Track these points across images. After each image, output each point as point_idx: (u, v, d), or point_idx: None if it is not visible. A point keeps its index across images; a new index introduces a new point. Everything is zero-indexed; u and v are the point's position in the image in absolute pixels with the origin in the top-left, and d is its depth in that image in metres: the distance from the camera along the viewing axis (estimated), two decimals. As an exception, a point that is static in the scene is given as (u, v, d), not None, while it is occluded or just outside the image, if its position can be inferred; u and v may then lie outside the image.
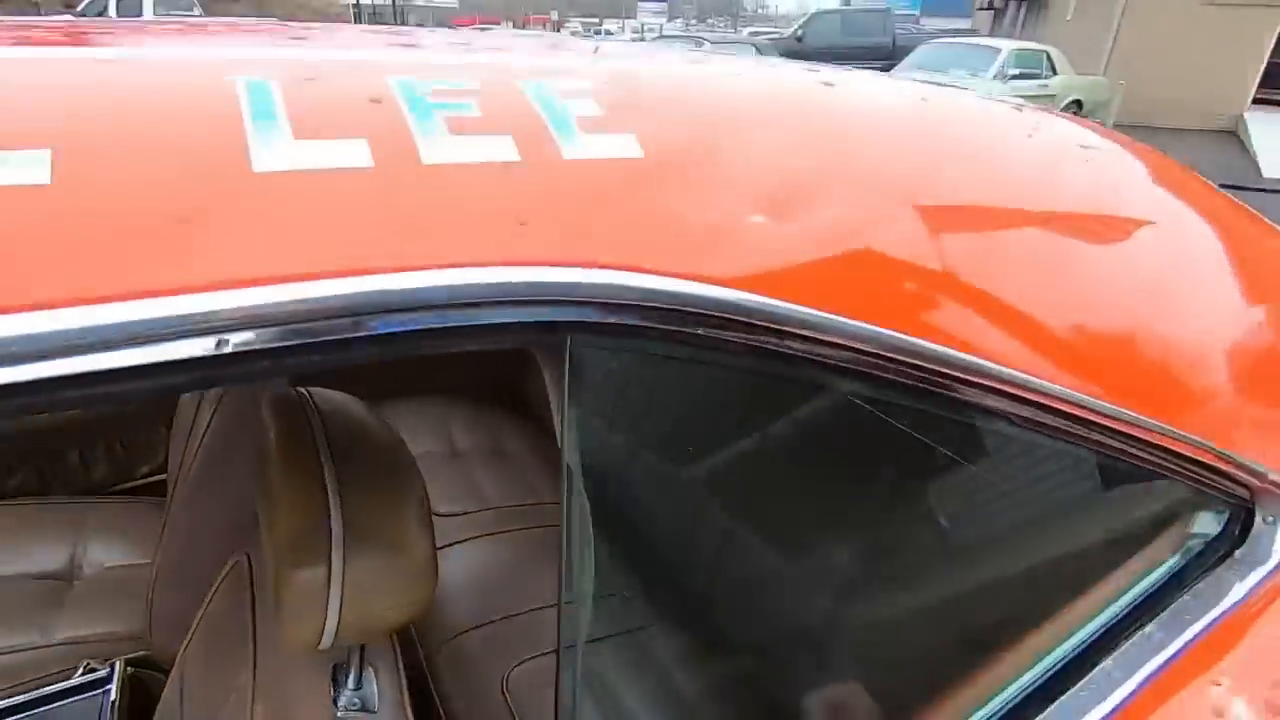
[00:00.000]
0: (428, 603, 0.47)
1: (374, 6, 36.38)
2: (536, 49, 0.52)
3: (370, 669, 0.51)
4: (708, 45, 8.88)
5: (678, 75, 0.42)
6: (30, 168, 0.23)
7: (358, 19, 25.89)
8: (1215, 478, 0.53)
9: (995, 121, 0.53)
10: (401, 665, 0.55)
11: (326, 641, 0.43)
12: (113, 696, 0.93)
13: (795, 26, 13.86)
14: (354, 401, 0.60)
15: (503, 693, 0.93)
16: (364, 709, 0.49)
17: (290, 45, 0.38)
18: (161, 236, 0.23)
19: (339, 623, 0.43)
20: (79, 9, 17.18)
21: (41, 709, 0.90)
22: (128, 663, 0.99)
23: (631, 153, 0.33)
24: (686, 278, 0.29)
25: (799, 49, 12.32)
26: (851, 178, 0.37)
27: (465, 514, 1.23)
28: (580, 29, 51.67)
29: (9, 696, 0.90)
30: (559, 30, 48.84)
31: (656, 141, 0.34)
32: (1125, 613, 0.52)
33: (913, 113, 0.47)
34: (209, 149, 0.26)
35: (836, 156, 0.39)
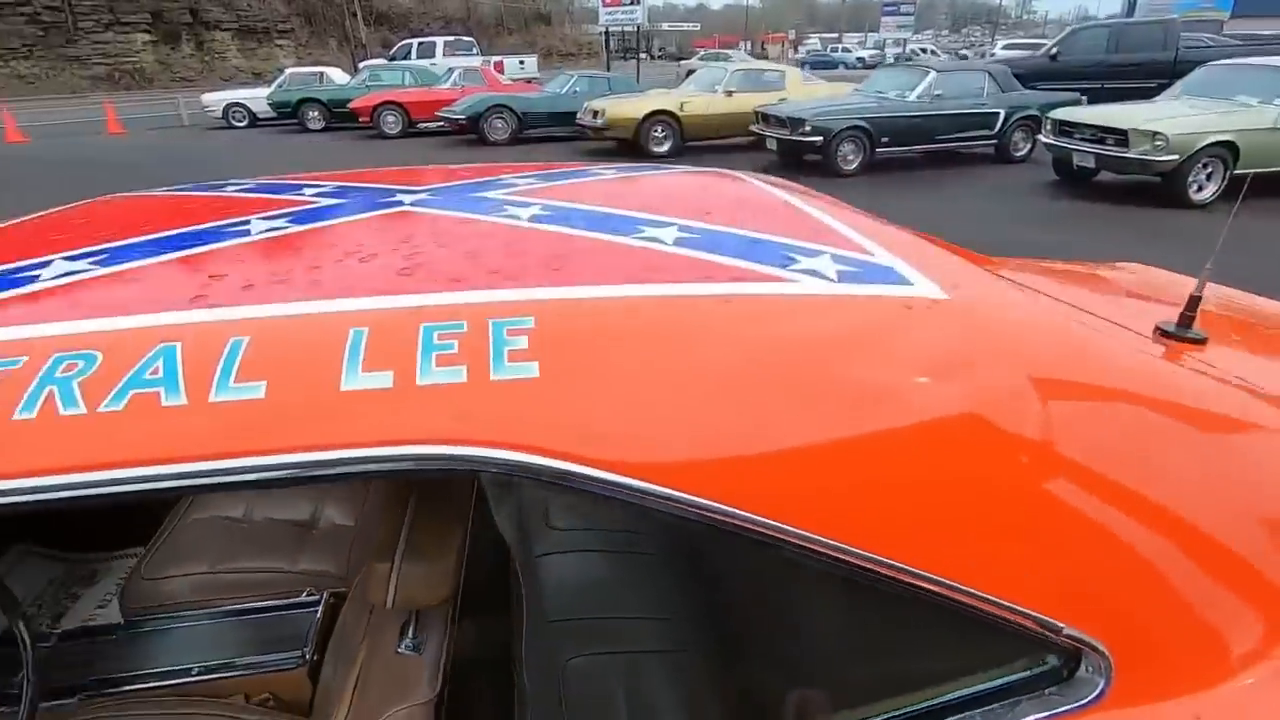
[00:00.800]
0: (446, 595, 0.78)
1: (622, 33, 39.36)
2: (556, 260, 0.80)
3: (425, 630, 0.84)
4: (933, 74, 8.48)
5: (609, 310, 0.68)
6: (257, 390, 0.57)
7: (607, 46, 28.08)
8: (1031, 630, 0.66)
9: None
10: (450, 631, 0.87)
11: (389, 604, 0.76)
12: (318, 615, 1.40)
13: (1051, 43, 12.56)
14: None
15: (559, 677, 1.22)
16: (415, 651, 0.82)
17: (401, 283, 0.72)
18: (296, 424, 0.56)
19: (395, 596, 0.75)
20: (391, 54, 21.08)
21: (274, 613, 1.39)
22: (330, 594, 1.45)
23: (532, 375, 0.60)
24: (527, 450, 0.56)
25: (1052, 69, 11.19)
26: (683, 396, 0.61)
27: (576, 530, 1.56)
28: (819, 45, 50.94)
29: (261, 600, 1.40)
30: (796, 48, 48.72)
31: (551, 364, 0.61)
32: (925, 711, 0.67)
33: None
34: (323, 378, 0.59)
35: (668, 380, 0.62)
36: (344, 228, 0.92)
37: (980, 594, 0.63)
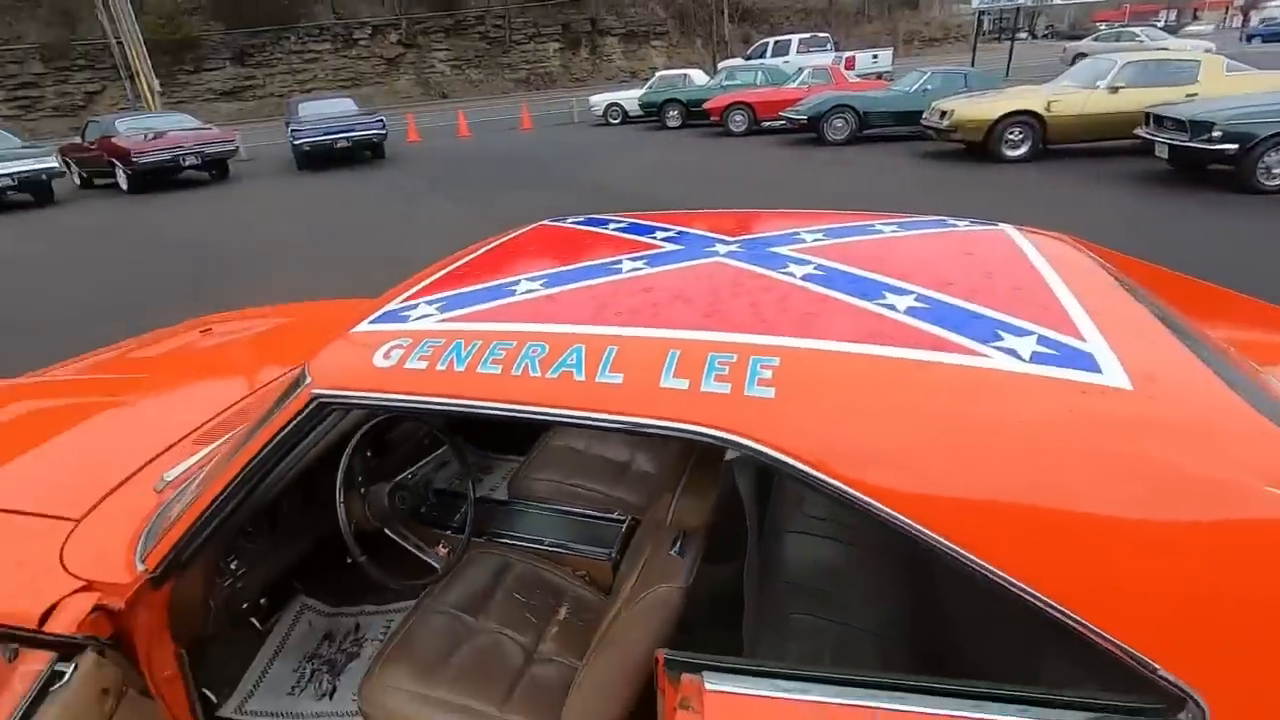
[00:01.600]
0: (701, 524, 1.19)
1: (1000, 12, 35.32)
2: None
3: (687, 545, 1.26)
4: None
5: (829, 360, 1.00)
6: (618, 379, 1.04)
7: (977, 30, 25.65)
8: (1130, 666, 0.83)
9: None
10: (702, 547, 1.28)
11: (668, 522, 1.20)
12: (622, 530, 1.96)
13: None
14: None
15: (785, 625, 1.57)
16: (680, 555, 1.25)
17: (704, 322, 1.13)
18: (636, 401, 1.01)
19: (671, 517, 1.18)
20: (747, 53, 22.25)
21: (595, 520, 1.98)
22: (632, 518, 2.01)
23: (768, 395, 0.96)
24: (755, 440, 0.93)
25: None
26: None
27: (820, 519, 1.88)
28: (1283, 10, 38.91)
29: (587, 510, 2.01)
30: (1245, 17, 37.99)
31: (783, 391, 0.96)
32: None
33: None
34: (652, 377, 1.02)
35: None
36: (677, 272, 1.38)
37: (1084, 622, 0.83)
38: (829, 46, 20.07)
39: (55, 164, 11.57)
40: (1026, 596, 0.84)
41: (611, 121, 17.46)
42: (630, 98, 17.16)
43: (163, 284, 6.59)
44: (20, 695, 1.03)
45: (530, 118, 17.98)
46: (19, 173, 10.91)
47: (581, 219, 1.97)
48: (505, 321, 1.24)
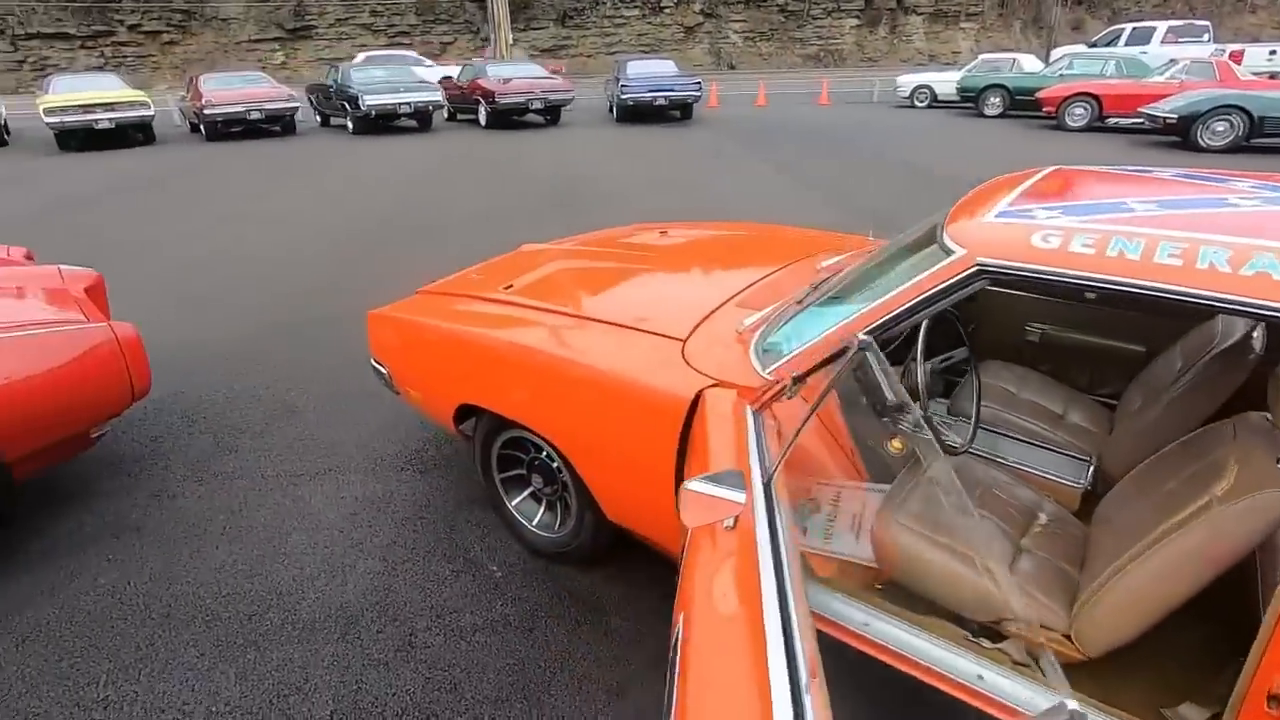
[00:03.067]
0: None
1: None
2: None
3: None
4: None
5: None
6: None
7: None
8: None
9: None
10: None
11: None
12: (1090, 467, 2.04)
13: None
14: None
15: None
16: None
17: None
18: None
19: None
20: (1092, 40, 19.54)
21: (1049, 451, 2.09)
22: (1095, 458, 2.07)
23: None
24: None
25: None
26: None
27: None
28: None
29: (1044, 444, 2.12)
30: None
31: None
32: None
33: None
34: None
35: None
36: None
37: None
38: (1205, 38, 16.91)
39: (439, 98, 14.05)
40: None
41: (917, 104, 16.59)
42: (944, 80, 16.12)
43: (529, 198, 7.85)
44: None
45: (829, 94, 17.75)
46: (414, 101, 13.48)
47: (1108, 167, 2.04)
48: (1149, 227, 1.38)
